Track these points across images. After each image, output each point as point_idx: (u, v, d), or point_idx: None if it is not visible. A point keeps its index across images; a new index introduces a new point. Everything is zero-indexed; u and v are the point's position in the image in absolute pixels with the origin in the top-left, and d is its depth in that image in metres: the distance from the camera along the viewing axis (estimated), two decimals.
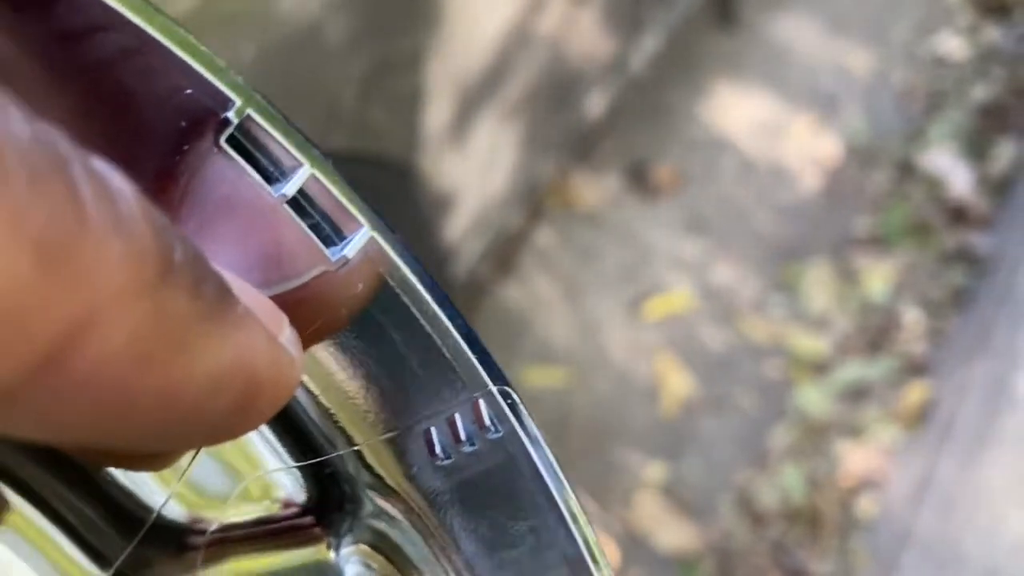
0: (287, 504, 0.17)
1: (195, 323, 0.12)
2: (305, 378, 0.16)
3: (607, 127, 1.59)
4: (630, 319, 1.51)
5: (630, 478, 1.40)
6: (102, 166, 0.11)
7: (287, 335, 0.14)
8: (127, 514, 0.16)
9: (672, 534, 1.35)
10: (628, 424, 1.43)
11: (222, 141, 0.15)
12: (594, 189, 1.62)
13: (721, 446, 1.42)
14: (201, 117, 0.15)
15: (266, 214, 0.15)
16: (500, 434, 0.16)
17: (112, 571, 0.16)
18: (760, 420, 1.43)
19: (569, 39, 1.16)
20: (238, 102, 0.15)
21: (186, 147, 0.15)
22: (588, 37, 1.22)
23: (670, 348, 1.48)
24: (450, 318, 0.16)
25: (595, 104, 1.39)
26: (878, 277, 1.55)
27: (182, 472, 0.16)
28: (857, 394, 1.45)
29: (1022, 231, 1.56)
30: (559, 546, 0.15)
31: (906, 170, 1.68)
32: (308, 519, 0.17)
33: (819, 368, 1.47)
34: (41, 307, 0.11)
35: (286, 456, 0.17)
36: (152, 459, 0.14)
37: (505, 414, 0.16)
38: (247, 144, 0.15)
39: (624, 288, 1.53)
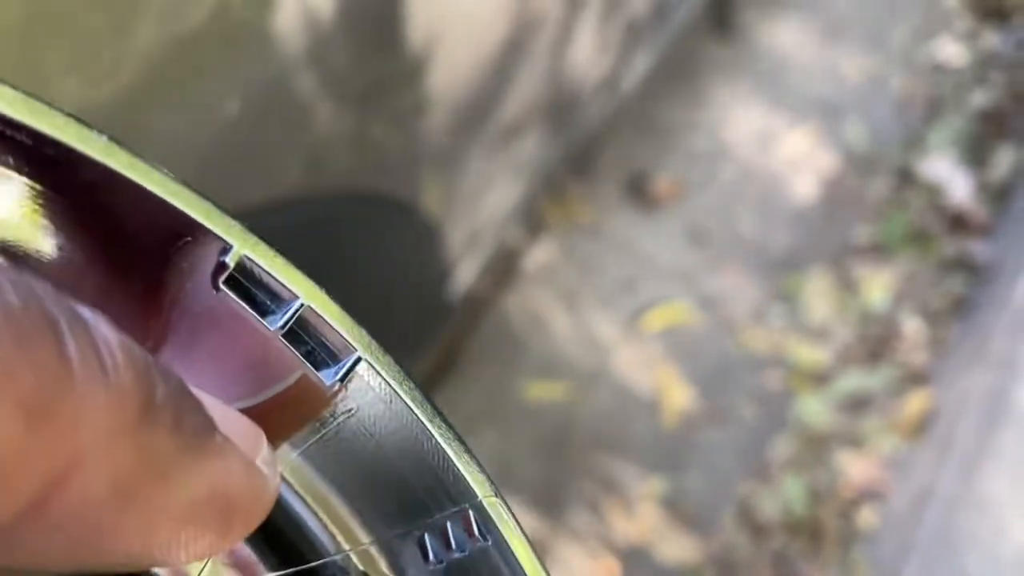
0: None
1: (176, 456, 0.13)
2: (300, 488, 0.17)
3: (606, 139, 1.59)
4: (630, 331, 1.51)
5: (632, 491, 1.40)
6: (88, 316, 0.12)
7: (263, 456, 0.15)
8: None
9: (674, 546, 1.35)
10: (629, 437, 1.44)
11: (221, 283, 0.15)
12: (593, 202, 1.62)
13: (722, 457, 1.42)
14: (180, 236, 0.15)
15: (248, 321, 0.16)
16: (488, 543, 0.16)
17: None
18: (761, 431, 1.43)
19: (566, 54, 1.16)
20: (235, 246, 0.15)
21: (173, 259, 0.16)
22: (585, 51, 1.22)
23: (670, 360, 1.49)
24: (441, 432, 0.16)
25: (593, 117, 1.39)
26: (878, 286, 1.55)
27: None
28: (858, 404, 1.45)
29: (1022, 238, 1.56)
30: None
31: (905, 177, 1.68)
32: None
33: (819, 378, 1.47)
34: (25, 463, 0.11)
35: (279, 562, 0.18)
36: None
37: (493, 523, 0.17)
38: (245, 282, 0.16)
39: (624, 300, 1.53)
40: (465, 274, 1.07)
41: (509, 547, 0.16)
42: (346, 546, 0.17)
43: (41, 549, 0.12)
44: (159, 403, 0.12)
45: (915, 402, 1.42)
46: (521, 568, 0.16)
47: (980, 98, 1.78)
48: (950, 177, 1.67)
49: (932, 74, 1.82)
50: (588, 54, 1.21)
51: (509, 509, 0.17)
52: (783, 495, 1.38)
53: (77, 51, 0.55)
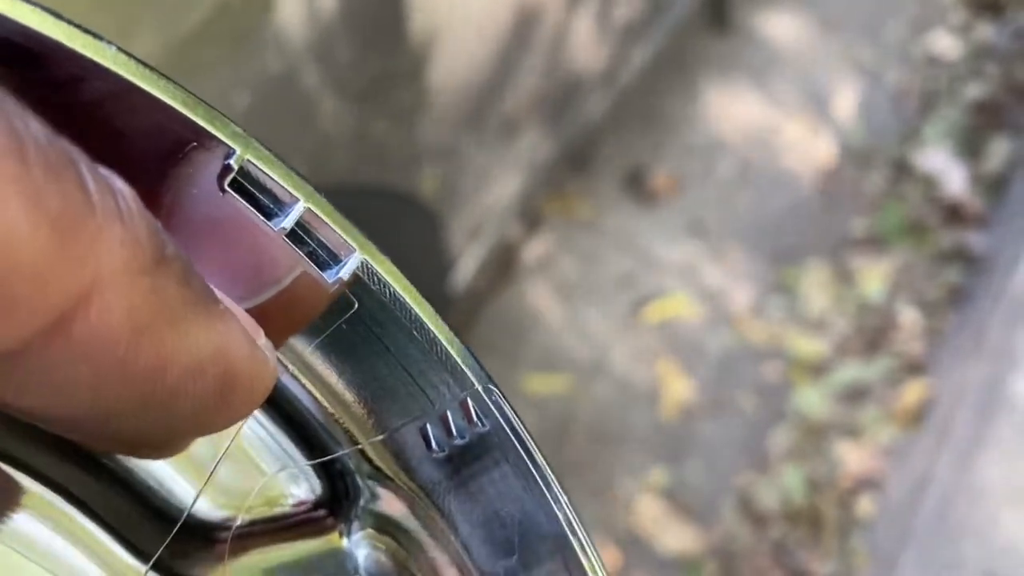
0: (300, 501, 0.19)
1: (184, 307, 0.14)
2: (311, 385, 0.18)
3: (604, 133, 1.60)
4: (630, 324, 1.52)
5: (632, 482, 1.41)
6: (104, 169, 0.13)
7: (263, 342, 0.16)
8: (161, 512, 0.18)
9: (675, 537, 1.37)
10: (629, 429, 1.45)
11: (226, 186, 0.16)
12: (592, 195, 1.63)
13: (722, 449, 1.43)
14: (182, 143, 0.16)
15: (245, 227, 0.16)
16: (487, 428, 0.18)
17: (151, 563, 0.17)
18: (760, 422, 1.44)
19: (564, 49, 1.17)
20: (238, 150, 0.16)
21: (169, 171, 0.17)
22: (583, 46, 1.23)
23: (670, 352, 1.50)
24: (437, 327, 0.17)
25: (591, 111, 1.40)
26: (875, 278, 1.56)
27: (209, 473, 0.18)
28: (856, 395, 1.46)
29: (1017, 229, 1.57)
30: (543, 525, 0.17)
31: (901, 170, 1.69)
32: (320, 512, 0.19)
33: (818, 369, 1.48)
34: (56, 273, 0.12)
35: (298, 457, 0.19)
36: (152, 448, 0.15)
37: (490, 409, 0.18)
38: (248, 186, 0.16)
39: (624, 294, 1.55)
40: (465, 268, 1.08)
41: (506, 431, 0.17)
42: (359, 439, 0.18)
43: (60, 376, 0.13)
44: (169, 256, 0.14)
45: (912, 392, 1.43)
46: (517, 450, 0.17)
47: (975, 90, 1.79)
48: (946, 169, 1.68)
49: (927, 67, 1.83)
50: (586, 49, 1.22)
51: (504, 397, 0.18)
52: (782, 485, 1.39)
53: None
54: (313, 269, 0.16)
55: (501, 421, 0.18)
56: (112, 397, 0.14)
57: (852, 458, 1.40)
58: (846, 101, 1.78)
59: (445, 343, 0.17)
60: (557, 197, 1.60)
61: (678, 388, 1.47)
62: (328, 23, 0.74)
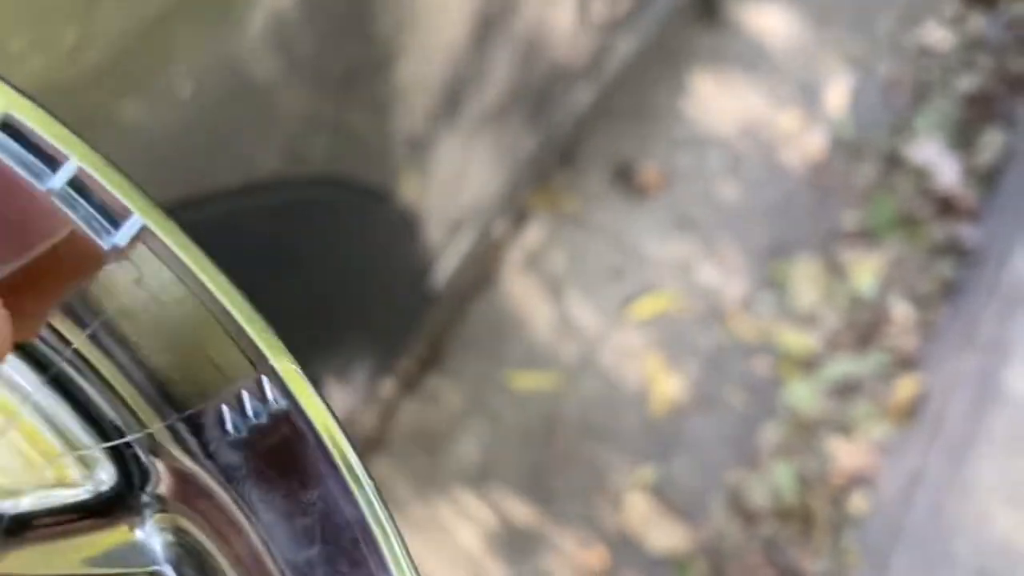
0: (90, 489, 0.18)
1: None
2: (101, 366, 0.17)
3: (591, 127, 1.59)
4: (618, 320, 1.51)
5: (621, 480, 1.40)
6: None
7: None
8: None
9: (664, 535, 1.36)
10: (618, 426, 1.44)
11: None
12: (579, 190, 1.62)
13: (711, 445, 1.42)
14: None
15: (11, 185, 0.15)
16: (283, 407, 0.17)
17: None
18: (750, 418, 1.43)
19: (546, 38, 1.15)
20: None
21: None
22: (566, 36, 1.22)
23: (659, 348, 1.49)
24: (231, 299, 0.16)
25: (577, 104, 1.39)
26: (866, 271, 1.55)
27: None
28: (847, 390, 1.45)
29: (1010, 221, 1.56)
30: (344, 511, 0.16)
31: (893, 162, 1.68)
32: (111, 500, 0.18)
33: (809, 364, 1.47)
34: None
35: (88, 441, 0.18)
36: None
37: (287, 388, 0.17)
38: (14, 143, 0.15)
39: (612, 289, 1.53)
40: (448, 264, 1.07)
41: (303, 410, 0.17)
42: (149, 423, 0.17)
43: None
44: None
45: (905, 387, 1.42)
46: (317, 433, 0.16)
47: (967, 82, 1.78)
48: (938, 161, 1.67)
49: (919, 59, 1.82)
50: (569, 39, 1.20)
51: (303, 372, 0.17)
52: (773, 482, 1.38)
53: (42, 30, 0.54)
54: (85, 232, 0.16)
55: (299, 401, 0.17)
56: None
57: (844, 454, 1.39)
58: (837, 93, 1.76)
59: (239, 317, 0.16)
60: (543, 191, 1.59)
61: (667, 384, 1.46)
62: (302, 10, 0.73)
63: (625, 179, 1.63)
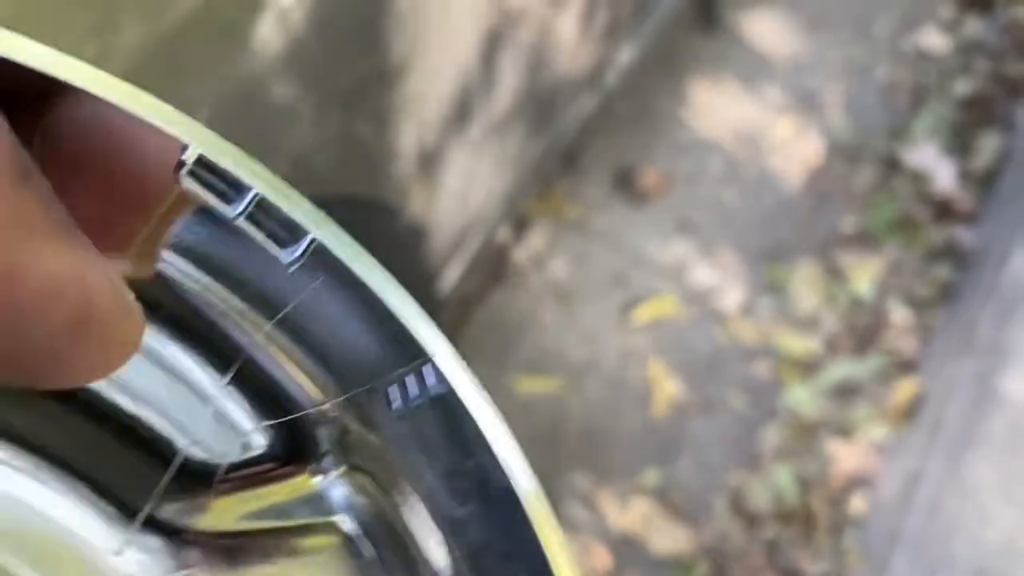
0: (266, 453, 0.20)
1: (43, 226, 0.14)
2: (275, 352, 0.19)
3: (592, 134, 1.60)
4: (621, 324, 1.52)
5: (624, 482, 1.41)
6: None
7: (131, 297, 0.16)
8: (145, 460, 0.19)
9: (666, 537, 1.37)
10: (621, 429, 1.45)
11: (183, 177, 0.17)
12: (581, 196, 1.63)
13: (713, 448, 1.43)
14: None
15: (123, 154, 0.17)
16: (443, 390, 0.19)
17: (143, 514, 0.19)
18: (751, 421, 1.45)
19: (549, 50, 1.17)
20: (191, 144, 0.17)
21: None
22: (569, 46, 1.23)
23: (661, 352, 1.50)
24: (400, 298, 0.19)
25: (579, 111, 1.40)
26: (865, 275, 1.56)
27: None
28: (847, 392, 1.46)
29: (1007, 224, 1.57)
30: (497, 478, 0.18)
31: (891, 166, 1.70)
32: (289, 464, 0.20)
33: (808, 368, 1.49)
34: None
35: (265, 415, 0.20)
36: (18, 375, 0.15)
37: (448, 374, 0.19)
38: (205, 175, 0.17)
39: (614, 294, 1.55)
40: (453, 272, 1.08)
41: (459, 397, 0.19)
42: (325, 397, 0.19)
43: None
44: (33, 181, 0.14)
45: (903, 390, 1.43)
46: (470, 415, 0.18)
47: (964, 86, 1.80)
48: (935, 165, 1.69)
49: (916, 63, 1.83)
50: (572, 49, 1.22)
51: (464, 362, 0.19)
52: (774, 484, 1.39)
53: (61, 47, 0.56)
54: (275, 250, 0.18)
55: (457, 386, 0.19)
56: None
57: (844, 456, 1.40)
58: (835, 98, 1.78)
59: (404, 313, 0.18)
60: (546, 198, 1.60)
61: (669, 388, 1.47)
62: (313, 23, 0.74)
63: (626, 184, 1.64)
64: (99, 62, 0.61)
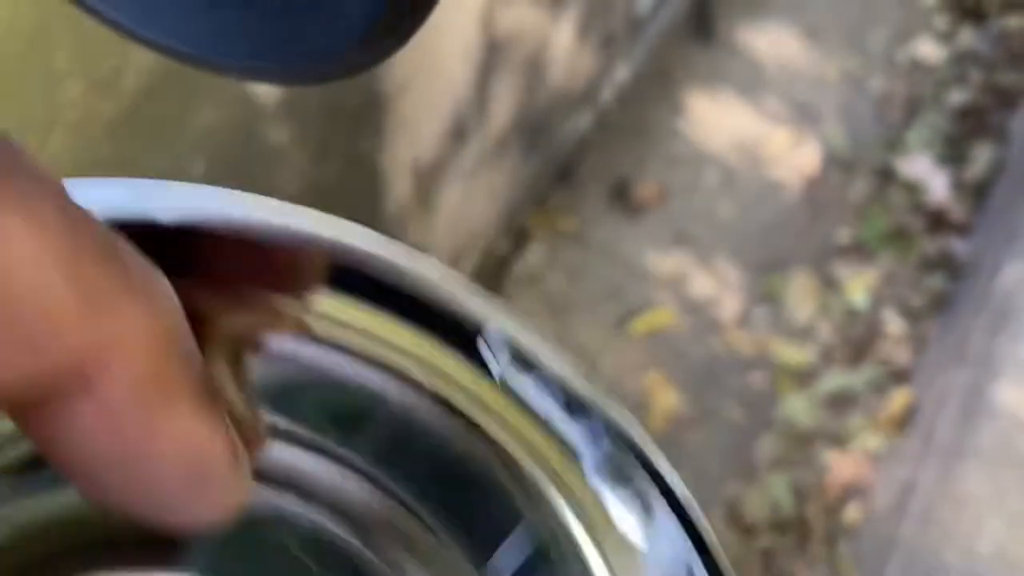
0: None
1: (184, 390, 0.15)
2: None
3: (588, 147, 1.62)
4: (618, 336, 1.54)
5: None
6: (153, 268, 0.15)
7: (247, 463, 0.17)
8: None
9: None
10: None
11: (505, 372, 0.18)
12: (578, 209, 1.65)
13: (709, 459, 1.45)
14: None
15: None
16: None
17: None
18: (747, 431, 1.46)
19: (546, 66, 1.18)
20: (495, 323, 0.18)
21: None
22: (565, 63, 1.25)
23: (658, 364, 1.51)
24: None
25: (575, 126, 1.42)
26: (860, 286, 1.58)
27: None
28: (842, 403, 1.48)
29: (999, 235, 1.59)
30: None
31: (886, 177, 1.71)
32: None
33: (804, 378, 1.50)
34: (75, 326, 0.14)
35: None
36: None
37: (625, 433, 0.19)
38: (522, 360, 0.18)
39: (611, 306, 1.56)
40: None
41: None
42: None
43: (87, 435, 0.15)
44: (183, 345, 0.15)
45: (897, 399, 1.45)
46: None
47: (958, 96, 1.81)
48: (930, 176, 1.70)
49: (911, 74, 1.85)
50: (568, 65, 1.23)
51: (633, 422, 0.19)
52: (770, 494, 1.41)
53: (82, 56, 0.57)
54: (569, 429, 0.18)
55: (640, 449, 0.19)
56: (97, 455, 0.15)
57: (839, 466, 1.42)
58: (830, 109, 1.79)
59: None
60: (542, 211, 1.61)
61: (666, 399, 1.48)
62: None
63: (622, 197, 1.66)
64: (116, 75, 0.62)
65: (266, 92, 0.71)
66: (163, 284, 0.15)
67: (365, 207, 0.86)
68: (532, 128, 1.18)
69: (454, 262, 1.10)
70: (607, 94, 1.43)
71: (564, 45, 1.18)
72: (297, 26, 0.19)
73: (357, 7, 0.19)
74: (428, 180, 0.95)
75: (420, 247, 0.76)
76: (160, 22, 0.20)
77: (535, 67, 1.14)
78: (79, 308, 0.14)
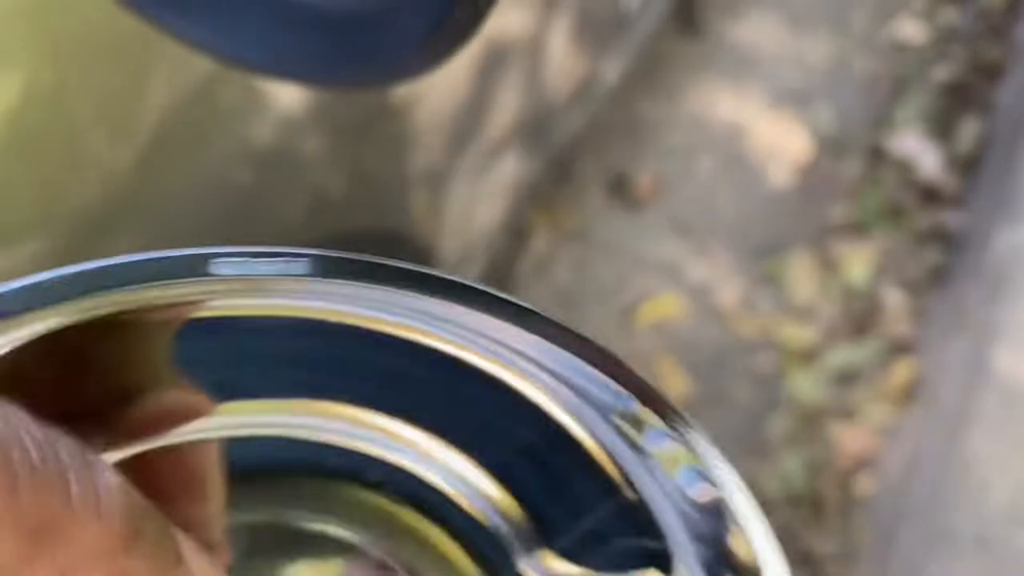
0: None
1: None
2: None
3: (585, 143, 1.65)
4: (625, 327, 1.57)
5: None
6: (96, 462, 0.16)
7: None
8: None
9: None
10: None
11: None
12: (578, 205, 1.68)
13: (722, 440, 1.46)
14: None
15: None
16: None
17: None
18: (757, 412, 1.49)
19: (541, 70, 1.22)
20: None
21: None
22: (559, 65, 1.28)
23: (665, 351, 1.55)
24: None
25: (573, 124, 1.45)
26: (858, 263, 1.61)
27: None
28: (847, 378, 1.51)
29: (991, 205, 1.62)
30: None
31: (877, 156, 1.74)
32: None
33: (809, 356, 1.53)
34: (28, 569, 0.15)
35: None
36: None
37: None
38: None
39: (616, 297, 1.60)
40: None
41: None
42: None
43: None
44: (143, 539, 0.16)
45: (901, 371, 1.48)
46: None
47: (943, 72, 1.84)
48: (920, 152, 1.73)
49: (895, 53, 1.88)
50: (561, 67, 1.27)
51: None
52: (783, 471, 1.44)
53: (102, 108, 0.60)
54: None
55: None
56: None
57: (848, 440, 1.45)
58: (818, 93, 1.83)
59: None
60: (544, 209, 1.65)
61: (675, 385, 1.52)
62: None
63: (621, 191, 1.69)
64: (134, 123, 0.65)
65: (284, 116, 0.75)
66: (108, 483, 0.16)
67: (374, 217, 0.89)
68: (531, 129, 1.22)
69: (461, 264, 1.13)
70: (601, 90, 1.46)
71: (558, 46, 1.22)
72: (361, 40, 0.22)
73: (413, 22, 0.22)
74: (433, 188, 0.98)
75: (428, 252, 0.79)
76: (240, 41, 0.23)
77: (531, 69, 1.17)
78: (26, 550, 0.15)
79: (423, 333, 0.20)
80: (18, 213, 0.56)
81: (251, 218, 0.73)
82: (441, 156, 0.97)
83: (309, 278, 0.18)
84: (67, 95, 0.59)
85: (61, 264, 0.16)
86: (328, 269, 0.18)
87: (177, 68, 0.65)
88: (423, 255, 0.93)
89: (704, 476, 0.20)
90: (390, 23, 0.22)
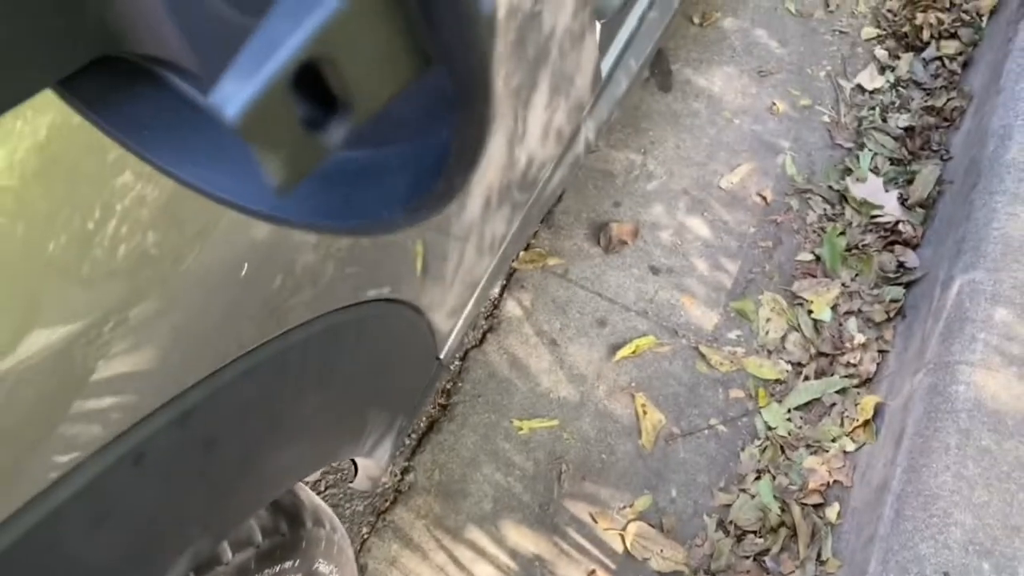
0: None
1: None
2: None
3: (567, 192, 1.72)
4: (606, 364, 1.63)
5: (618, 509, 1.51)
6: None
7: None
8: None
9: (661, 558, 1.46)
10: (613, 460, 1.55)
11: None
12: (561, 250, 1.75)
13: (699, 472, 1.54)
14: None
15: None
16: None
17: None
18: (731, 444, 1.55)
19: (522, 145, 1.29)
20: None
21: None
22: (538, 139, 1.35)
23: (644, 387, 1.61)
24: None
25: (555, 181, 1.52)
26: (824, 302, 1.69)
27: None
28: (816, 410, 1.58)
29: (948, 245, 1.68)
30: None
31: (841, 200, 1.82)
32: None
33: (779, 391, 1.60)
34: None
35: None
36: None
37: None
38: None
39: (598, 337, 1.66)
40: (453, 339, 1.20)
41: None
42: None
43: None
44: None
45: (866, 404, 1.55)
46: None
47: (902, 120, 1.93)
48: (881, 195, 1.81)
49: (857, 102, 1.97)
50: (540, 140, 1.34)
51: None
52: (757, 500, 1.49)
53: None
54: None
55: None
56: None
57: (818, 470, 1.51)
58: (785, 141, 1.91)
59: None
60: (530, 255, 1.72)
61: (654, 419, 1.58)
62: None
63: (601, 235, 1.77)
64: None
65: None
66: None
67: (386, 281, 0.95)
68: (517, 187, 1.29)
69: (453, 316, 1.20)
70: (580, 147, 1.54)
71: (540, 107, 1.30)
72: (353, 193, 0.25)
73: (403, 183, 0.26)
74: (426, 254, 1.04)
75: (422, 313, 0.85)
76: (233, 186, 0.26)
77: (516, 131, 1.25)
78: None
79: None
80: None
81: (261, 314, 0.78)
82: (433, 227, 1.04)
83: None
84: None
85: None
86: None
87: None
88: (418, 312, 0.99)
89: None
90: (377, 181, 0.24)
